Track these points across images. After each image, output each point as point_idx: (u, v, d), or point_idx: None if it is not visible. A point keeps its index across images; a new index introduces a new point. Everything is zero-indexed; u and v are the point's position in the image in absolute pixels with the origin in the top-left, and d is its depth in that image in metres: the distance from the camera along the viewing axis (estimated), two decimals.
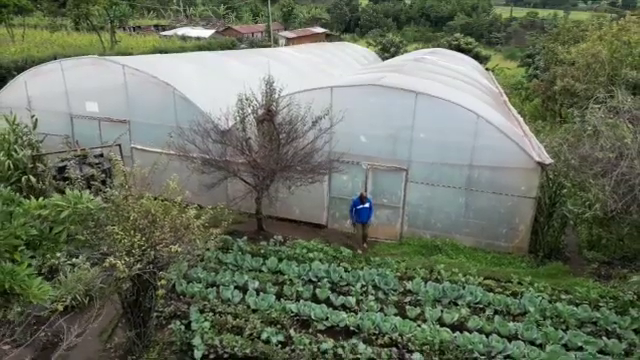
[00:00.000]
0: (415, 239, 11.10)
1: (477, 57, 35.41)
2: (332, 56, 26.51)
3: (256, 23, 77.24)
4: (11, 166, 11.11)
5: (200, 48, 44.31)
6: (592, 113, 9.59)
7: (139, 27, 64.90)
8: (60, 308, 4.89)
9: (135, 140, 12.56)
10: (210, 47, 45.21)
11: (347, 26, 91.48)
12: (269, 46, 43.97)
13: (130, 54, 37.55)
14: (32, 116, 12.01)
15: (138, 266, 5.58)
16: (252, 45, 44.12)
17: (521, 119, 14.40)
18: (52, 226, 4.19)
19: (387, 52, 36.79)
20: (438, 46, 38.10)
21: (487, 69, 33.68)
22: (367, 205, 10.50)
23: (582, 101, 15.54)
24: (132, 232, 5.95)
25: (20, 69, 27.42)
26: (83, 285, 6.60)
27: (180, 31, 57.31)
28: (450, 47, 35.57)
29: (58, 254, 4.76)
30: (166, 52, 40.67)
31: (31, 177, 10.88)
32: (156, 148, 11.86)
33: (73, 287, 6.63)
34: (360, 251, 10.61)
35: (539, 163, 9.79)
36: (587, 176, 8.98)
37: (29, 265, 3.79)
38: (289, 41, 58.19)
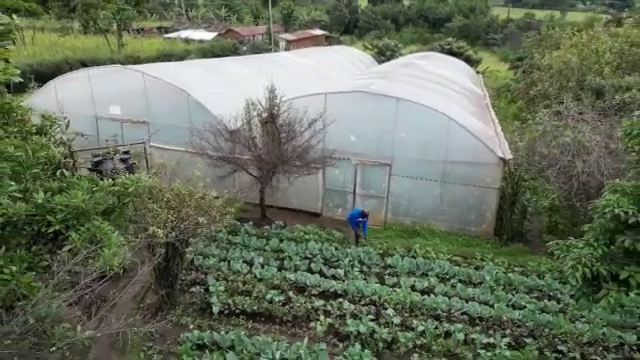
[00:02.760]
0: (397, 225, 12.82)
1: (468, 60, 37.07)
2: (330, 60, 28.17)
3: (257, 25, 78.94)
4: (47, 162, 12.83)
5: (203, 51, 46.01)
6: (540, 116, 11.32)
7: (142, 29, 66.64)
8: (116, 263, 6.51)
9: (153, 139, 14.26)
10: (213, 50, 46.86)
11: (346, 27, 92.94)
12: (270, 49, 45.61)
13: (137, 57, 39.37)
14: (64, 118, 13.70)
15: (173, 234, 7.31)
16: (254, 48, 45.76)
17: (496, 120, 16.12)
18: (120, 198, 5.91)
19: (383, 55, 38.46)
20: (432, 49, 39.78)
21: (478, 72, 35.35)
22: (365, 220, 11.61)
23: (554, 104, 17.26)
24: (166, 210, 7.67)
25: (34, 72, 29.14)
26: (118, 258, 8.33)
27: (183, 34, 59.00)
28: (443, 51, 37.25)
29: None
30: (171, 55, 42.51)
31: (64, 171, 12.60)
32: (172, 146, 13.59)
33: (110, 259, 8.36)
34: (354, 245, 11.66)
35: (501, 158, 11.51)
36: (538, 169, 10.69)
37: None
38: (289, 43, 59.88)
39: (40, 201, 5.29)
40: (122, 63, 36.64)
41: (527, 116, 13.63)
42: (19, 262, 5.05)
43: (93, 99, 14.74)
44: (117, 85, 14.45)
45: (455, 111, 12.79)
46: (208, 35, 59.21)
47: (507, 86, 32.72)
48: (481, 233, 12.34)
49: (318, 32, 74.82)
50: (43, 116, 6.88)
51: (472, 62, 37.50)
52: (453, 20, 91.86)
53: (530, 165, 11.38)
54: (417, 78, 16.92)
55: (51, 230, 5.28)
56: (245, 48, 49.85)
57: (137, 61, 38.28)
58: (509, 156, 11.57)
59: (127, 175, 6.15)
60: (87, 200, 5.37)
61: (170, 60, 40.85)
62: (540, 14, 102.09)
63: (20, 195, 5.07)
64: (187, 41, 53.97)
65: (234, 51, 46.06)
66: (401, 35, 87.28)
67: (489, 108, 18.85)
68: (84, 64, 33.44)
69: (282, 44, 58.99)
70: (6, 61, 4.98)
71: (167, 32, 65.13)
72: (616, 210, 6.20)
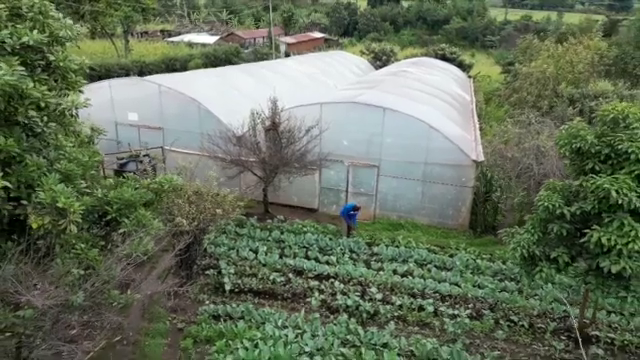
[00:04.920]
0: (385, 219, 14.50)
1: (461, 65, 38.70)
2: (328, 66, 29.81)
3: (258, 28, 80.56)
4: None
5: (206, 55, 47.58)
6: (504, 124, 12.98)
7: (146, 32, 68.25)
8: (149, 247, 8.14)
9: (168, 143, 15.93)
10: (216, 54, 48.30)
11: (346, 29, 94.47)
12: (271, 54, 47.18)
13: (143, 62, 41.00)
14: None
15: (195, 224, 8.99)
16: (256, 53, 47.30)
17: (477, 125, 17.78)
18: (157, 193, 7.58)
19: (379, 60, 40.09)
20: (426, 54, 41.44)
21: (469, 76, 36.94)
22: (356, 212, 13.28)
23: (532, 110, 18.93)
24: (188, 203, 9.35)
25: None
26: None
27: (186, 37, 60.60)
28: (437, 56, 38.91)
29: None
30: (175, 59, 44.11)
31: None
32: (185, 149, 15.26)
33: (137, 248, 10.04)
34: (346, 237, 13.42)
35: (474, 161, 13.19)
36: (505, 170, 12.37)
37: None
38: (289, 46, 61.53)
39: (100, 195, 6.96)
40: (129, 67, 38.51)
41: (489, 124, 15.26)
42: (85, 242, 6.72)
43: (113, 106, 16.42)
44: (135, 94, 16.15)
45: (436, 118, 14.46)
46: (210, 39, 60.80)
47: (497, 90, 34.33)
48: (457, 226, 14.01)
49: (317, 35, 76.42)
50: (92, 128, 8.52)
51: (465, 67, 39.12)
52: (451, 22, 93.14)
53: (500, 166, 13.04)
54: (405, 87, 18.60)
55: (108, 217, 6.95)
56: (248, 51, 51.39)
57: (143, 66, 40.02)
58: (481, 158, 13.24)
59: (155, 175, 7.83)
60: (134, 194, 7.03)
61: (175, 64, 42.56)
62: (538, 16, 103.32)
63: (88, 190, 6.72)
64: (190, 45, 55.56)
65: (236, 55, 47.58)
66: (400, 37, 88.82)
67: (473, 113, 20.51)
68: (93, 69, 35.11)
69: (282, 47, 60.61)
70: (81, 92, 6.64)
71: (170, 35, 66.73)
72: (546, 203, 7.87)
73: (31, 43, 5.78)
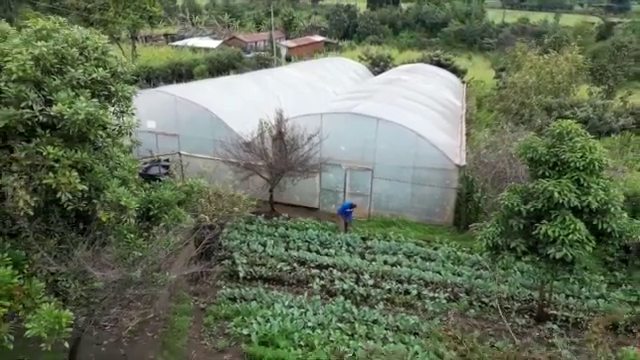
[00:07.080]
0: (379, 217, 16.21)
1: (455, 70, 40.40)
2: (327, 73, 31.53)
3: (259, 31, 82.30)
4: None
5: (210, 60, 49.25)
6: (483, 133, 14.68)
7: (150, 36, 69.91)
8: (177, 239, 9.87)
9: (183, 148, 17.63)
10: (219, 58, 49.92)
11: (345, 32, 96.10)
12: (272, 60, 48.85)
13: (150, 67, 42.69)
14: None
15: (215, 219, 10.70)
16: (258, 59, 48.95)
17: (464, 131, 19.48)
18: (187, 193, 9.29)
19: (377, 66, 41.82)
20: (422, 59, 43.15)
21: (463, 82, 38.60)
22: (352, 210, 15.11)
23: (515, 117, 20.65)
24: (208, 202, 11.07)
25: None
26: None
27: (190, 42, 62.26)
28: (431, 62, 40.61)
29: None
30: (181, 64, 45.75)
31: None
32: (198, 154, 16.96)
33: (166, 243, 11.74)
34: (343, 232, 15.29)
35: (457, 165, 14.90)
36: (483, 173, 14.10)
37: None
38: (290, 50, 63.24)
39: (144, 195, 8.66)
40: (137, 73, 39.94)
41: (479, 129, 16.97)
42: (134, 232, 8.42)
43: None
44: (152, 103, 17.80)
45: (424, 127, 16.19)
46: (213, 43, 62.44)
47: (489, 95, 35.98)
48: (443, 223, 15.72)
49: (317, 38, 78.14)
50: (132, 140, 10.21)
51: (459, 72, 40.80)
52: (449, 25, 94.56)
53: (480, 170, 14.75)
54: (399, 96, 20.30)
55: (151, 214, 8.65)
56: (250, 56, 53.06)
57: (150, 71, 41.71)
58: (464, 163, 14.96)
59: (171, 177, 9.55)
60: (171, 195, 8.74)
61: (180, 69, 44.22)
62: (535, 17, 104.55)
63: (136, 191, 8.42)
64: (194, 49, 57.24)
65: (239, 60, 49.24)
66: (398, 40, 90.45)
67: (462, 119, 22.20)
68: None
69: (283, 51, 62.29)
70: (133, 114, 8.35)
71: (173, 39, 68.41)
72: (506, 202, 9.59)
73: (98, 78, 7.49)
